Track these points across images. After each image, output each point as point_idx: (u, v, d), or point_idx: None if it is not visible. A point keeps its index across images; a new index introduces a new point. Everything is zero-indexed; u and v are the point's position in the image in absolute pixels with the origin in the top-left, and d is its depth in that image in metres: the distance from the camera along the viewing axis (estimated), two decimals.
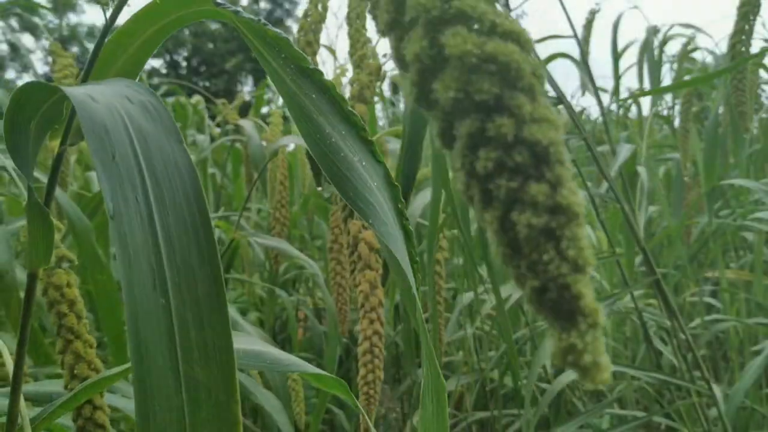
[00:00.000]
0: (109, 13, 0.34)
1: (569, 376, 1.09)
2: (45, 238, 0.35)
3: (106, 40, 0.33)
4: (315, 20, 0.79)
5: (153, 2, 0.31)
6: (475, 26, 0.16)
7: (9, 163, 0.53)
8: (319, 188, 1.04)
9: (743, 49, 1.04)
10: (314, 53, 0.80)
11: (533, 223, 0.15)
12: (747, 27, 1.03)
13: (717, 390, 1.09)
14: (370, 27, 0.78)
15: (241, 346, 0.37)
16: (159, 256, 0.19)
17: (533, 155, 0.15)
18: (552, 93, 1.05)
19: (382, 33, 0.18)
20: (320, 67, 0.86)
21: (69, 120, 0.34)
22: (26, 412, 0.39)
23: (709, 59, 2.39)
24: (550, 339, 0.16)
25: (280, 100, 2.96)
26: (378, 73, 0.73)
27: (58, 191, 0.92)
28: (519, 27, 0.17)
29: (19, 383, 0.38)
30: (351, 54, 0.76)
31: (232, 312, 1.15)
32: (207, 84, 18.48)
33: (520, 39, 0.17)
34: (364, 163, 0.27)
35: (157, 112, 0.24)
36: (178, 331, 0.18)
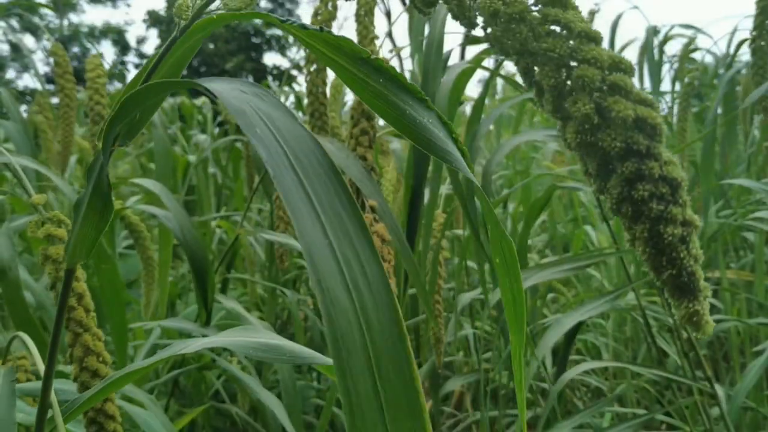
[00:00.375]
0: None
1: (570, 374, 1.09)
2: (95, 233, 0.37)
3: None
4: (325, 18, 0.80)
5: (215, 15, 0.34)
6: (625, 94, 0.23)
7: (15, 161, 0.53)
8: None
9: (763, 43, 1.04)
10: None
11: (676, 233, 0.23)
12: (767, 21, 1.04)
13: (719, 389, 1.09)
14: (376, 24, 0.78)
15: (261, 339, 0.39)
16: (313, 205, 0.24)
17: (671, 187, 0.23)
18: None
19: (540, 93, 0.25)
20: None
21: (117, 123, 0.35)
22: (56, 403, 0.40)
23: (708, 59, 2.39)
24: (677, 309, 0.24)
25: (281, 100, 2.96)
26: None
27: (62, 184, 0.93)
28: (649, 96, 0.24)
29: (50, 376, 0.38)
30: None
31: (238, 307, 1.15)
32: None
33: (653, 104, 0.24)
34: (431, 121, 0.32)
35: (267, 97, 0.29)
36: (344, 265, 0.23)
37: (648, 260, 0.23)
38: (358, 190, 0.68)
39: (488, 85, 1.23)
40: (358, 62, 0.33)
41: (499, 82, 2.68)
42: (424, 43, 0.84)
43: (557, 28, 0.24)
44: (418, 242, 0.89)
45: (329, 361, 0.37)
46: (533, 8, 0.24)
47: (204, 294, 0.96)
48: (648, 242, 0.23)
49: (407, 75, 1.98)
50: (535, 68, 0.24)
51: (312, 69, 0.82)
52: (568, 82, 0.23)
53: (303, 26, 0.32)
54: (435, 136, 0.31)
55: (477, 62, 1.03)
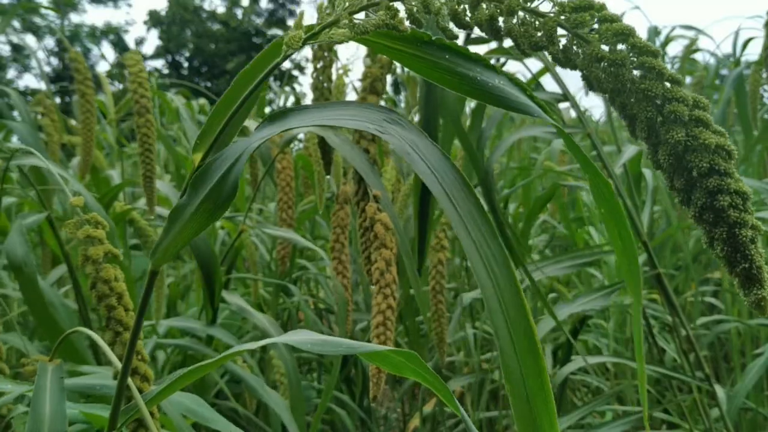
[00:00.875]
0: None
1: (570, 367, 1.10)
2: (190, 237, 0.39)
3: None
4: None
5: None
6: (706, 126, 0.30)
7: (45, 165, 0.53)
8: (328, 176, 1.05)
9: None
10: (330, 49, 0.82)
11: (749, 235, 0.29)
12: None
13: (719, 389, 1.09)
14: None
15: (320, 337, 0.42)
16: (457, 211, 0.31)
17: (743, 198, 0.30)
18: (558, 90, 1.05)
19: (633, 123, 0.31)
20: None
21: (217, 135, 0.38)
22: (136, 391, 0.42)
23: (709, 58, 2.39)
24: (747, 296, 0.29)
25: (281, 101, 2.97)
26: (389, 67, 0.75)
27: (83, 190, 0.93)
28: (721, 128, 0.30)
29: (126, 373, 0.41)
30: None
31: (244, 304, 1.17)
32: (208, 84, 18.47)
33: (725, 134, 0.30)
34: (502, 82, 0.36)
35: (403, 121, 0.35)
36: (483, 253, 0.31)
37: (725, 256, 0.30)
38: (361, 180, 0.69)
39: None
40: (422, 45, 0.36)
41: None
42: None
43: (650, 73, 0.30)
44: (429, 235, 0.90)
45: (381, 348, 0.40)
46: (632, 56, 0.30)
47: (211, 293, 0.97)
48: (726, 242, 0.30)
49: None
50: (630, 104, 0.31)
51: (318, 66, 0.84)
52: (660, 117, 0.30)
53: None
54: (509, 94, 0.35)
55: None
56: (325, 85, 0.86)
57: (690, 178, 0.30)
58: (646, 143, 0.31)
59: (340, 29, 0.34)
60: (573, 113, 1.72)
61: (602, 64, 0.30)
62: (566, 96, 1.05)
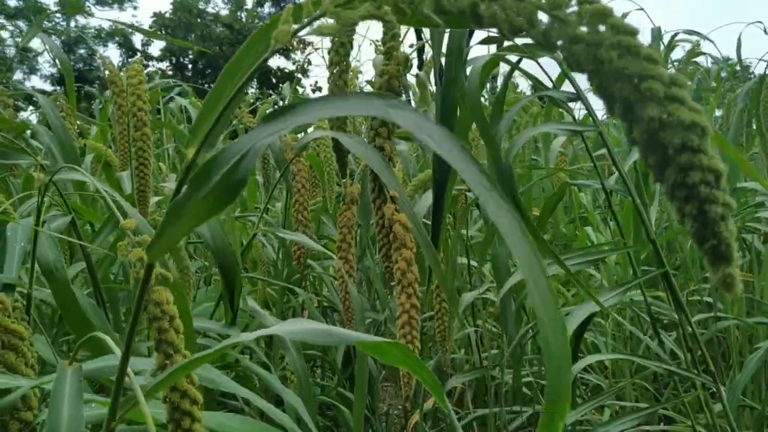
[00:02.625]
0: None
1: (579, 365, 1.11)
2: (186, 231, 0.39)
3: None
4: None
5: None
6: (682, 103, 0.30)
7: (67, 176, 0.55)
8: (344, 180, 1.06)
9: None
10: (347, 53, 0.83)
11: (719, 211, 0.29)
12: None
13: (721, 387, 1.11)
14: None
15: (314, 327, 0.42)
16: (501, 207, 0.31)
17: (715, 176, 0.29)
18: (571, 89, 1.07)
19: (611, 102, 0.30)
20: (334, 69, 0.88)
21: (209, 131, 0.38)
22: (135, 381, 0.43)
23: (709, 63, 2.41)
24: (715, 274, 0.30)
25: (286, 102, 3.00)
26: (405, 64, 0.74)
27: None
28: (698, 105, 0.30)
29: (127, 358, 0.42)
30: (384, 43, 0.79)
31: (254, 304, 1.18)
32: (212, 86, 18.47)
33: (701, 111, 0.30)
34: None
35: (408, 106, 0.36)
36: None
37: (694, 233, 0.30)
38: (376, 177, 0.70)
39: (508, 80, 1.24)
40: None
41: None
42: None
43: (628, 52, 0.30)
44: (441, 230, 0.91)
45: (372, 338, 0.40)
46: (610, 36, 0.30)
47: (231, 296, 0.97)
48: (696, 218, 0.30)
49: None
50: (608, 83, 0.31)
51: (335, 71, 0.84)
52: (637, 94, 0.30)
53: None
54: None
55: (497, 59, 1.03)
56: (341, 90, 0.87)
57: (663, 155, 0.30)
58: (623, 121, 0.31)
59: (329, 22, 0.34)
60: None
61: (581, 45, 0.30)
62: (579, 95, 1.06)
